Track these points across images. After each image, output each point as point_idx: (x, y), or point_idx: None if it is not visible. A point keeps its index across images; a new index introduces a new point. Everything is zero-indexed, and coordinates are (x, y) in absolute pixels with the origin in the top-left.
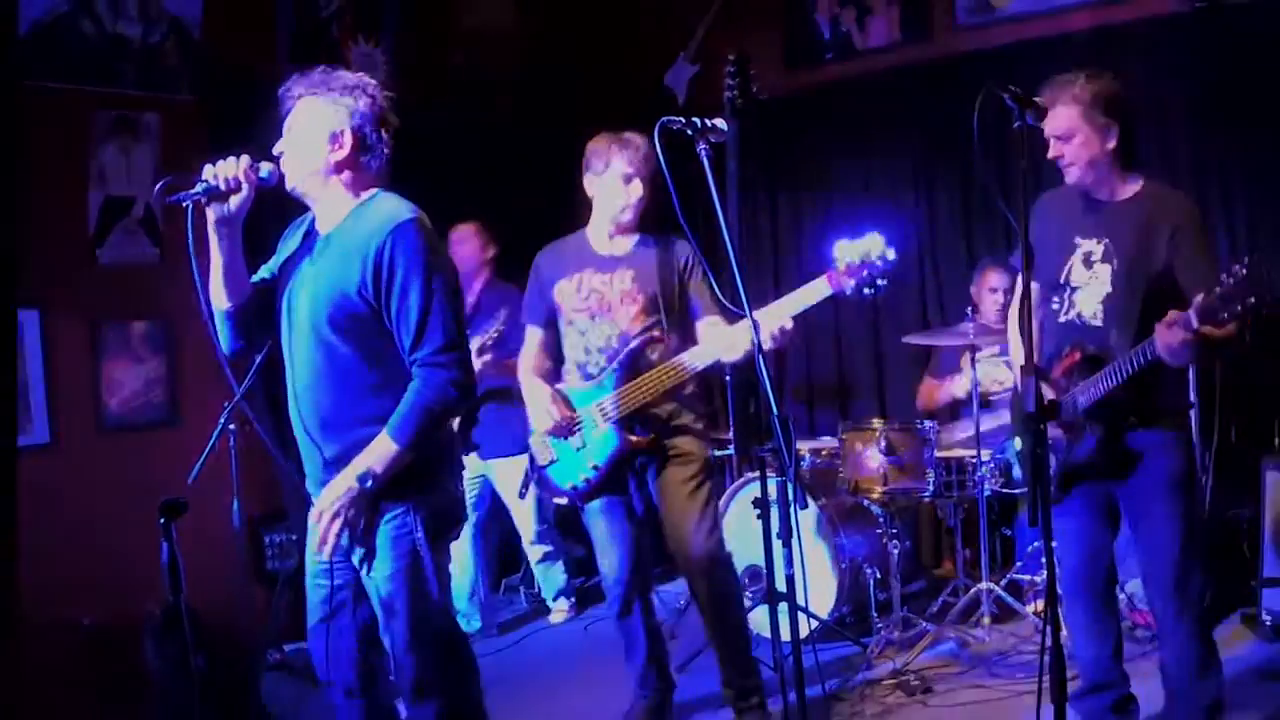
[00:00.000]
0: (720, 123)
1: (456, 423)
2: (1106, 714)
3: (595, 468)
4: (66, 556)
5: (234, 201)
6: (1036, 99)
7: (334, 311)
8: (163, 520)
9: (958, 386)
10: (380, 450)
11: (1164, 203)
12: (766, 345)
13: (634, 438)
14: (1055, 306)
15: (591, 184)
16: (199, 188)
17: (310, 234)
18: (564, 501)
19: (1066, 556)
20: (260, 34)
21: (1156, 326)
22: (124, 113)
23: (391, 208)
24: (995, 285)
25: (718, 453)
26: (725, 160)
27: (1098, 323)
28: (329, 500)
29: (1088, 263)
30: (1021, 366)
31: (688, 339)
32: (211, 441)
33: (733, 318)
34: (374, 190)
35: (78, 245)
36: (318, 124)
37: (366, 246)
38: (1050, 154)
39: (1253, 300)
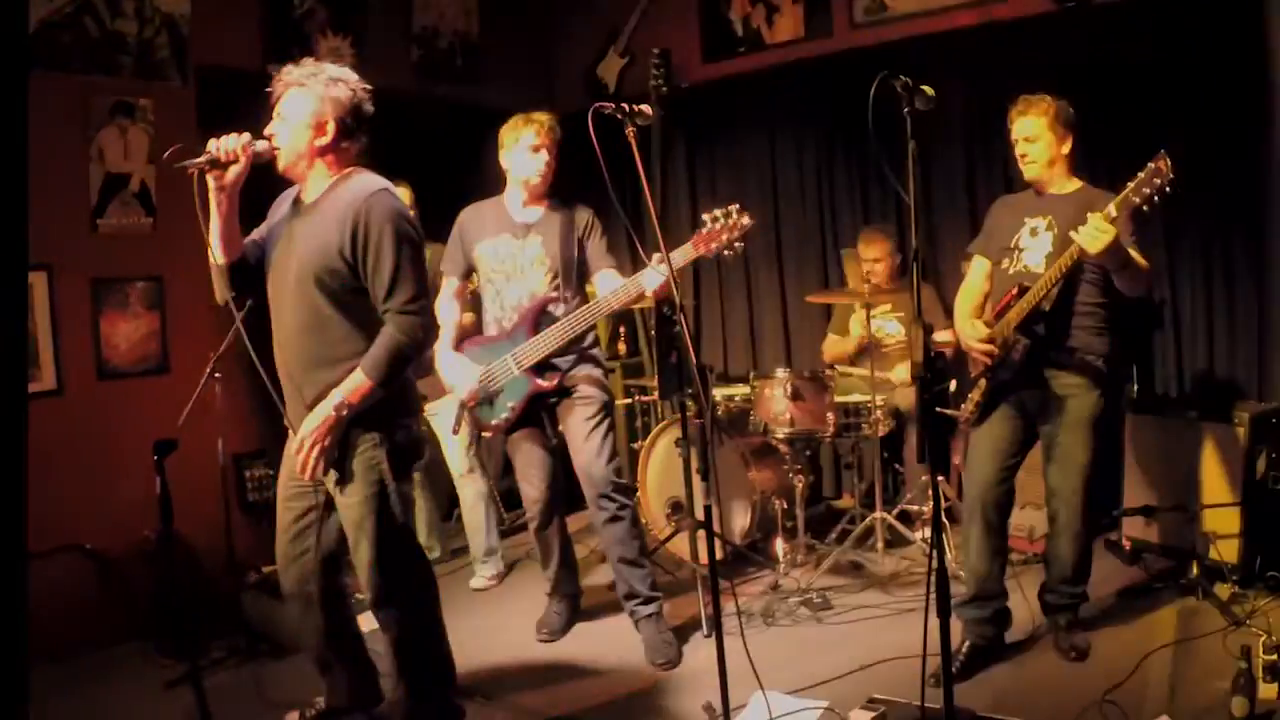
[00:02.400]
0: (647, 108)
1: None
2: (986, 623)
3: (512, 407)
4: (71, 489)
5: (232, 171)
6: (1017, 110)
7: (318, 269)
8: (155, 457)
9: (853, 344)
10: (355, 385)
11: (1098, 197)
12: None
13: (541, 382)
14: (1004, 265)
15: (505, 158)
16: (203, 158)
17: (296, 204)
18: (488, 434)
19: (975, 475)
20: (242, 29)
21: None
22: (121, 99)
23: (368, 181)
24: (875, 255)
25: (643, 398)
26: (650, 140)
27: (1040, 269)
28: (309, 428)
29: (1034, 233)
30: (912, 320)
31: (584, 295)
32: (199, 388)
33: (627, 271)
34: (353, 168)
35: (80, 215)
36: (305, 112)
37: (346, 213)
38: (1018, 151)
39: (1168, 175)
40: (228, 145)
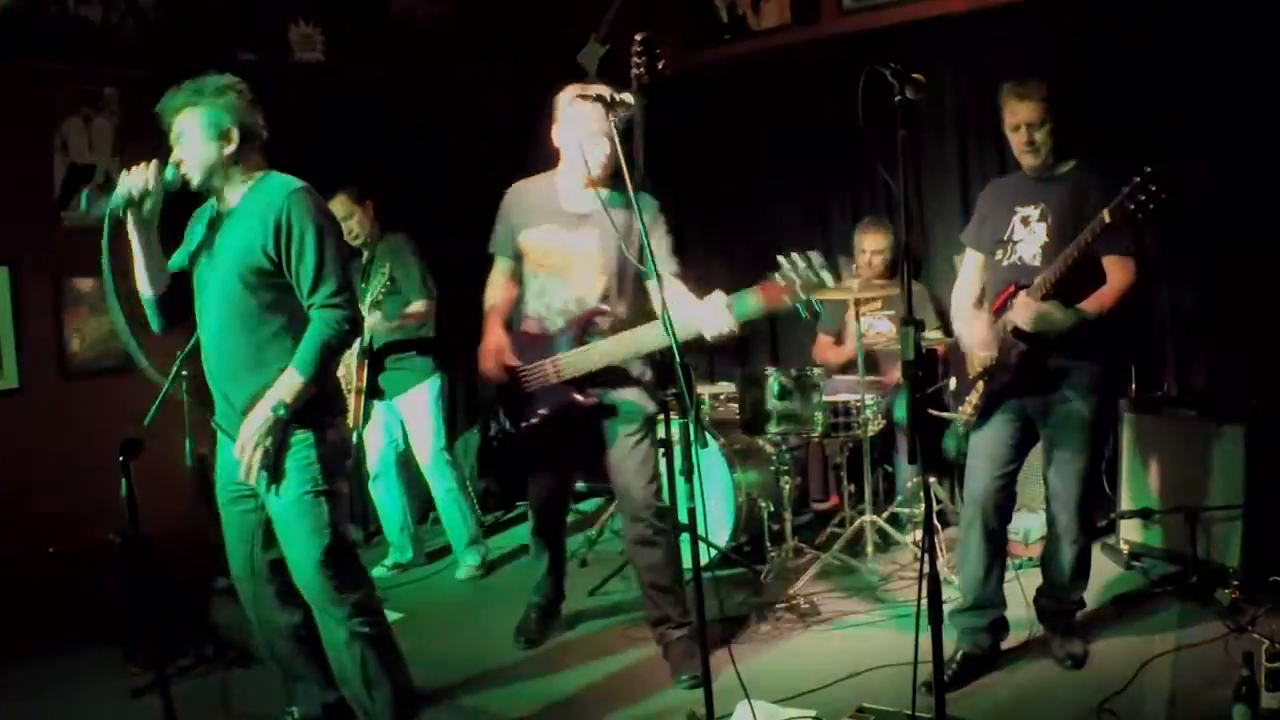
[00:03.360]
0: (628, 97)
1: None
2: (982, 631)
3: (542, 413)
4: (34, 491)
5: (147, 205)
6: (1014, 94)
7: (242, 270)
8: (121, 458)
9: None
10: (288, 383)
11: (1091, 176)
12: (708, 335)
13: (578, 397)
14: (998, 257)
15: (557, 135)
16: (116, 200)
17: (216, 216)
18: (511, 429)
19: (975, 479)
20: (208, 17)
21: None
22: (86, 87)
23: (284, 181)
24: (872, 248)
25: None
26: (632, 131)
27: (1036, 264)
28: (249, 431)
29: (1026, 223)
30: (902, 319)
31: (640, 299)
32: (166, 386)
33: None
34: (265, 170)
35: (43, 208)
36: (205, 129)
37: (268, 212)
38: (1019, 139)
39: (1154, 189)
40: (137, 180)
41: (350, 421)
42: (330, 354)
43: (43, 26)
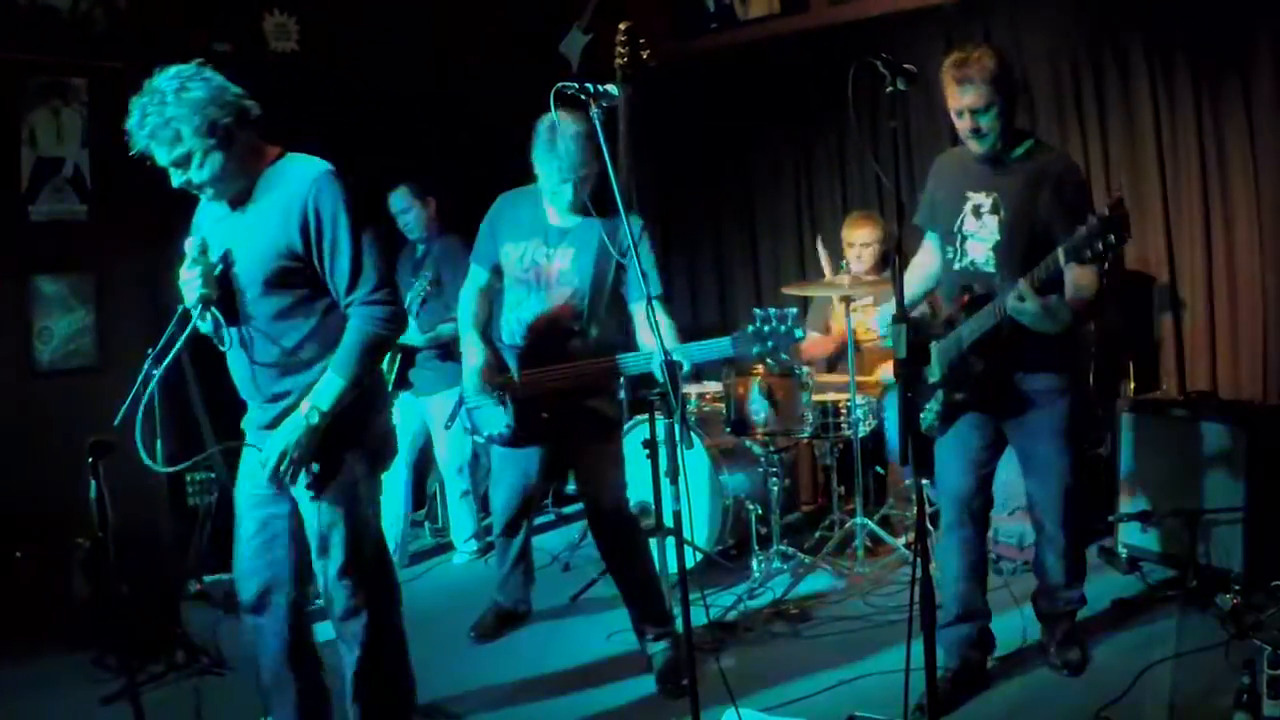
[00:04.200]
0: (612, 88)
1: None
2: (967, 645)
3: (509, 426)
4: (1, 492)
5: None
6: (955, 76)
7: (271, 268)
8: (91, 459)
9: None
10: (327, 388)
11: (1047, 160)
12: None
13: (542, 415)
14: (950, 255)
15: (534, 159)
16: (194, 318)
17: (235, 206)
18: (482, 440)
19: (951, 488)
20: (180, 5)
21: (1007, 299)
22: (54, 78)
23: (305, 164)
24: (861, 240)
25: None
26: (616, 123)
27: (990, 269)
28: (284, 441)
29: (977, 214)
30: (893, 316)
31: (617, 320)
32: (136, 386)
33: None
34: (279, 151)
35: (10, 202)
36: (196, 137)
37: (291, 203)
38: (965, 127)
39: (1112, 239)
40: (195, 287)
41: (448, 423)
42: (372, 355)
43: (9, 15)
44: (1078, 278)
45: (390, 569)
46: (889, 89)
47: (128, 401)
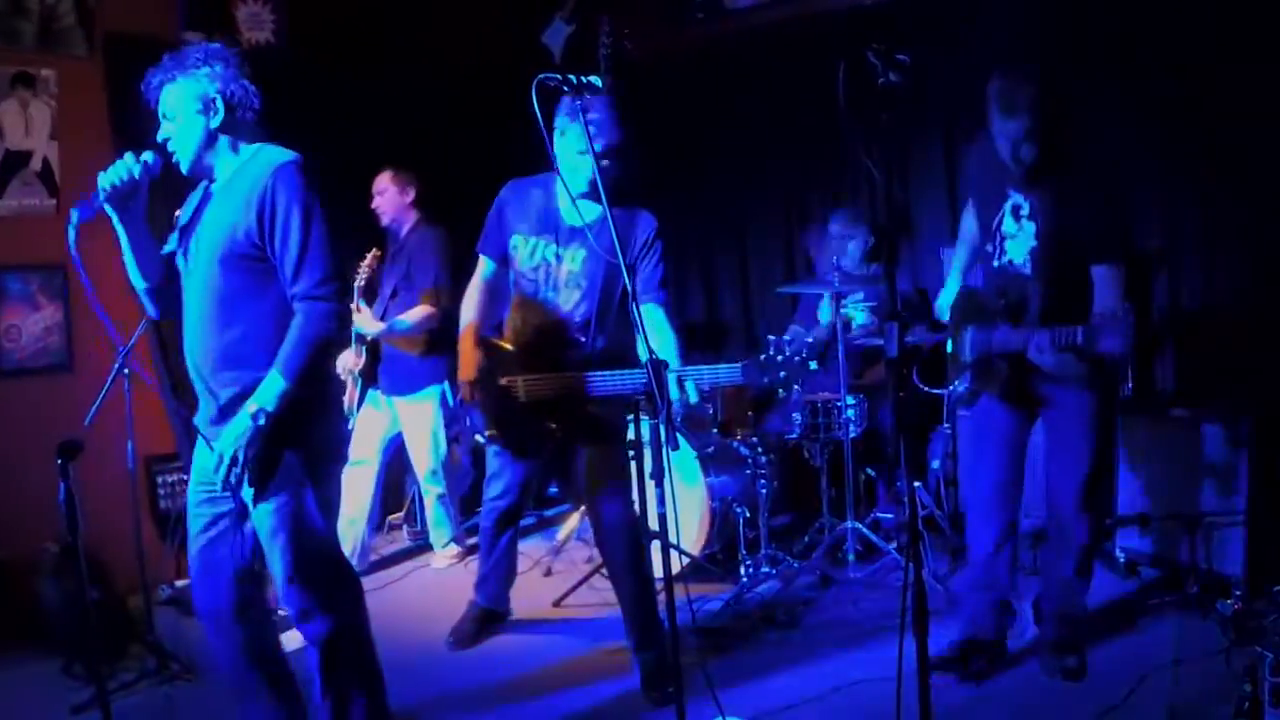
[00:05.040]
0: (595, 80)
1: (361, 362)
2: (985, 612)
3: (503, 429)
4: None
5: (131, 199)
6: (1003, 106)
7: (225, 252)
8: (60, 460)
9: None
10: (270, 388)
11: (1078, 186)
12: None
13: (545, 421)
14: (990, 249)
15: (556, 146)
16: (100, 198)
17: (205, 196)
18: (481, 439)
19: (982, 463)
20: None
21: (1030, 348)
22: (22, 69)
23: (273, 154)
24: (840, 234)
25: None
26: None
27: (1027, 270)
28: (228, 442)
29: (1016, 216)
30: (886, 313)
31: (624, 330)
32: (107, 385)
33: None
34: (256, 144)
35: None
36: (189, 102)
37: (252, 192)
38: (1008, 151)
39: (1120, 342)
40: (118, 173)
41: (344, 404)
42: (316, 354)
43: None
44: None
45: (346, 569)
46: (881, 81)
47: (98, 401)
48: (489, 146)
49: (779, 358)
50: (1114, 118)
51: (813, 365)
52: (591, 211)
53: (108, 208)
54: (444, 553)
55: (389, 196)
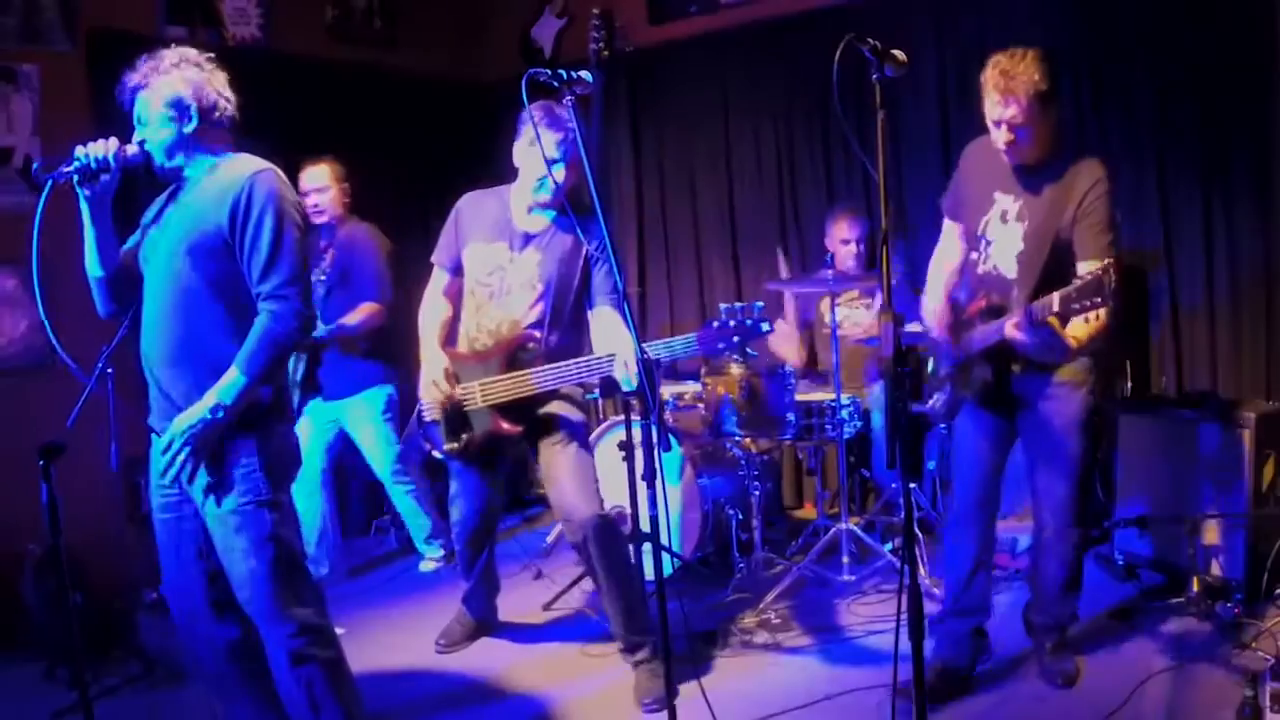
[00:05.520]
0: (586, 75)
1: (301, 369)
2: (963, 639)
3: (465, 438)
4: None
5: (102, 180)
6: (998, 87)
7: (192, 246)
8: (42, 462)
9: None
10: (229, 383)
11: (1078, 172)
12: (622, 377)
13: (504, 424)
14: (974, 256)
15: (518, 153)
16: (73, 166)
17: (174, 191)
18: (439, 455)
19: (958, 480)
20: None
21: (1005, 326)
22: (3, 64)
23: (249, 162)
24: (847, 236)
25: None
26: (591, 111)
27: (1011, 275)
28: (179, 429)
29: (1004, 219)
30: (880, 312)
31: (576, 327)
32: (89, 386)
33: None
34: (231, 151)
35: None
36: (162, 105)
37: (227, 191)
38: (1002, 141)
39: (1099, 300)
40: (97, 151)
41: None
42: (278, 352)
43: None
44: (1071, 328)
45: (307, 574)
46: (876, 76)
47: (80, 402)
48: (465, 150)
49: (732, 323)
50: (1114, 117)
51: (765, 327)
52: (546, 218)
53: (76, 183)
54: (430, 555)
55: (333, 195)
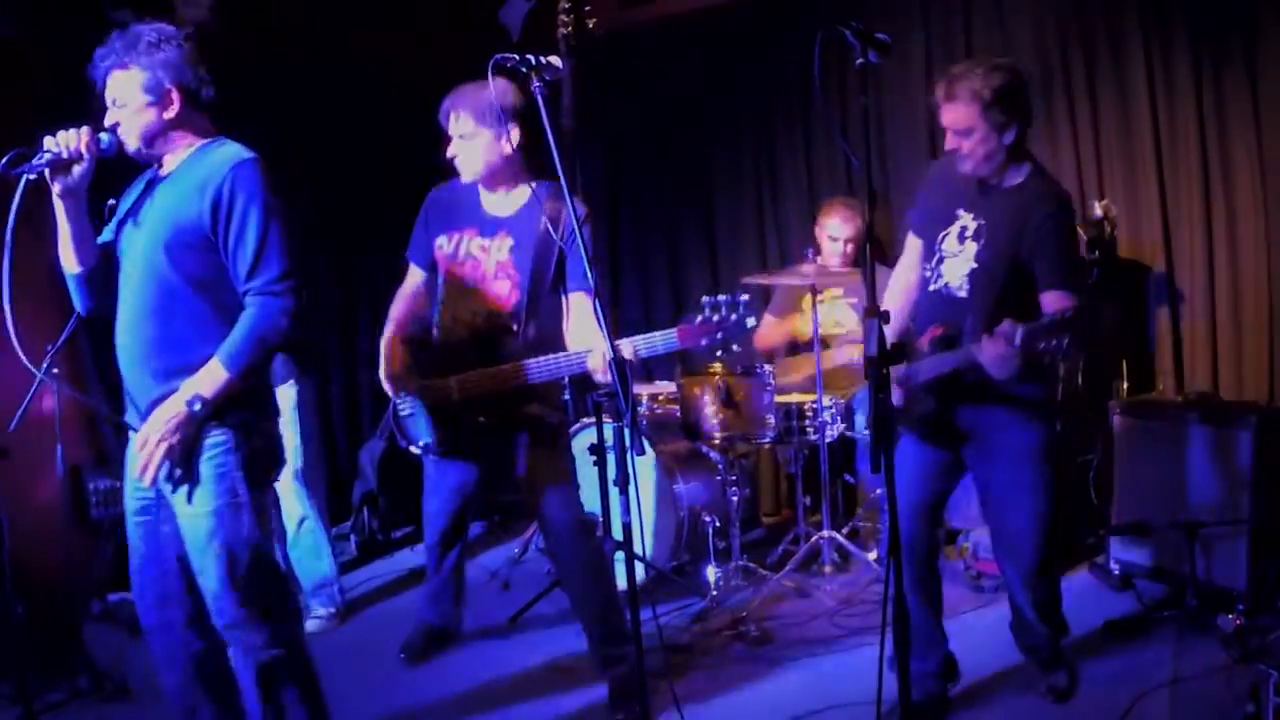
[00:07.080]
0: (555, 60)
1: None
2: (930, 677)
3: (439, 433)
4: None
5: (76, 171)
6: (941, 92)
7: (170, 240)
8: None
9: (799, 326)
10: (211, 376)
11: (1041, 195)
12: (598, 371)
13: (481, 419)
14: (927, 274)
15: (454, 147)
16: (44, 159)
17: (152, 182)
18: (416, 450)
19: (906, 502)
20: None
21: (983, 338)
22: None
23: (232, 150)
24: (837, 235)
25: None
26: (559, 97)
27: (963, 294)
28: (156, 424)
29: (961, 237)
30: (865, 310)
31: (555, 316)
32: (34, 388)
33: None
34: (213, 137)
35: None
36: (140, 89)
37: (207, 183)
38: (947, 145)
39: (1064, 342)
40: (69, 141)
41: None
42: (265, 349)
43: None
44: (1049, 301)
45: (283, 581)
46: (859, 61)
47: (25, 404)
48: (422, 143)
49: (715, 318)
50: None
51: (750, 322)
52: (516, 201)
53: (49, 176)
54: (315, 611)
55: None
